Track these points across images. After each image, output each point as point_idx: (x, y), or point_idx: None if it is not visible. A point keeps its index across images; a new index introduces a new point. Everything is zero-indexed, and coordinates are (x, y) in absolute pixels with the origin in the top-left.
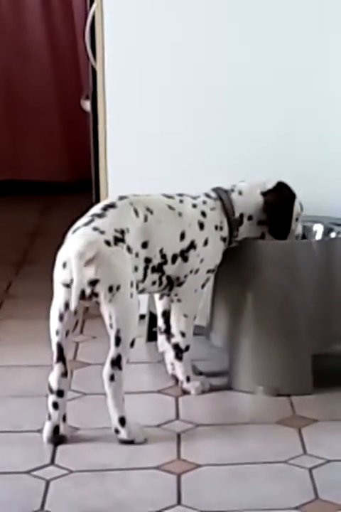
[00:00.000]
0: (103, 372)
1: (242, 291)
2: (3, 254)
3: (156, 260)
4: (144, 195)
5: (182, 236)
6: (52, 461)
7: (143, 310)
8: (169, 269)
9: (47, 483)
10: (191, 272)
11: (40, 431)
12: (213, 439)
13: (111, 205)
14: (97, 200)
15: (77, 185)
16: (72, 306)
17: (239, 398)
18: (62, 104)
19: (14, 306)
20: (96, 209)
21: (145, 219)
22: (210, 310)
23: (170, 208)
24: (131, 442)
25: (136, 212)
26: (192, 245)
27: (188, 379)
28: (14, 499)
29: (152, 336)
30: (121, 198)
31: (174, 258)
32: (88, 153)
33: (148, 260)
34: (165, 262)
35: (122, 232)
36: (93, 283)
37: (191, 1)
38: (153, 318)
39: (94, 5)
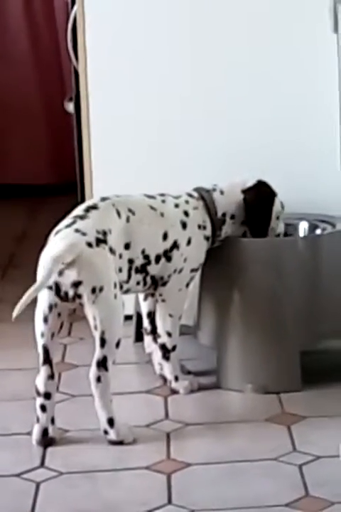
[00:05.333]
0: (89, 374)
1: (229, 290)
2: None
3: (139, 261)
4: (126, 196)
5: (165, 236)
6: (42, 464)
7: (130, 310)
8: (153, 269)
9: (38, 485)
10: (175, 271)
11: (29, 433)
12: (202, 437)
13: (93, 207)
14: (82, 202)
15: (63, 188)
16: (18, 308)
17: (227, 396)
18: (45, 107)
19: (0, 309)
20: (78, 210)
21: (128, 220)
22: (197, 309)
23: (152, 208)
24: (120, 443)
25: (119, 213)
26: (176, 245)
27: (176, 378)
28: (4, 502)
29: (139, 337)
30: (103, 199)
31: (157, 258)
32: (72, 155)
33: (131, 261)
34: (148, 263)
35: (104, 233)
36: (76, 285)
37: (174, 2)
38: (140, 318)
39: (76, 6)
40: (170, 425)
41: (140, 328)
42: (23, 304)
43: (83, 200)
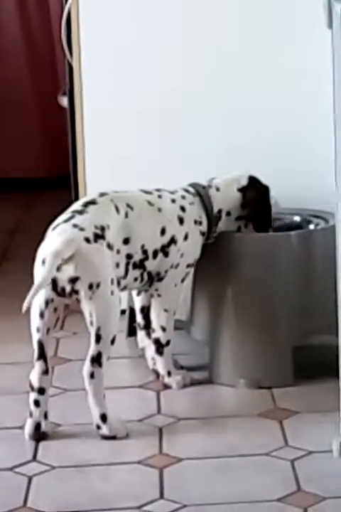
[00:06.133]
0: (83, 370)
1: (222, 285)
2: None
3: (137, 256)
4: (124, 191)
5: (163, 231)
6: (35, 458)
7: (123, 305)
8: (150, 264)
9: (30, 479)
10: (172, 266)
11: (21, 427)
12: (195, 432)
13: (92, 202)
14: (76, 196)
15: (56, 182)
16: (25, 304)
17: (220, 391)
18: (39, 101)
19: None
20: (76, 205)
21: (126, 215)
22: (190, 304)
23: (150, 203)
24: (113, 438)
25: (117, 208)
26: (173, 240)
27: (169, 373)
28: None
29: (132, 331)
30: (102, 194)
31: (155, 254)
32: (66, 149)
33: (129, 256)
34: (146, 258)
35: (102, 228)
36: (73, 280)
37: None
38: (133, 313)
39: (70, 0)
40: (162, 420)
41: (133, 322)
42: (29, 301)
43: (76, 194)
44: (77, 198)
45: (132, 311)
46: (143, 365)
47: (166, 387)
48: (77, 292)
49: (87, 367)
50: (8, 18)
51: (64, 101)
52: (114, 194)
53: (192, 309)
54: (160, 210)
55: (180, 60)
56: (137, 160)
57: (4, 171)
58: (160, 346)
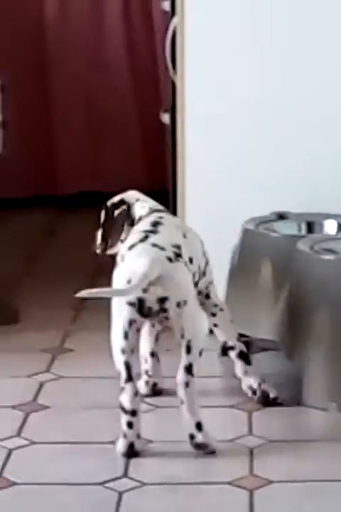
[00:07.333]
0: (177, 379)
1: (313, 305)
2: (78, 268)
3: (196, 276)
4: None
5: (204, 253)
6: (126, 474)
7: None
8: (200, 284)
9: (120, 495)
10: (210, 283)
11: (112, 442)
12: (285, 455)
13: (158, 223)
14: (174, 212)
15: (155, 197)
16: (85, 293)
17: (311, 414)
18: (141, 117)
19: (88, 317)
20: (144, 225)
21: (185, 236)
22: (281, 324)
23: (187, 228)
24: (206, 447)
25: (177, 229)
26: (207, 262)
27: (263, 381)
28: (87, 510)
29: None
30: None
31: (201, 275)
32: (165, 165)
33: (193, 275)
34: (200, 278)
35: (178, 247)
36: (162, 300)
37: (276, 19)
38: None
39: (176, 18)
40: (253, 441)
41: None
42: (94, 294)
43: (175, 210)
44: (175, 214)
45: None
46: (235, 384)
47: (257, 407)
48: (165, 310)
49: (181, 376)
50: (112, 34)
51: (165, 117)
52: (166, 216)
53: (282, 329)
54: (197, 235)
55: (288, 81)
56: (236, 179)
57: (105, 186)
58: (245, 356)
